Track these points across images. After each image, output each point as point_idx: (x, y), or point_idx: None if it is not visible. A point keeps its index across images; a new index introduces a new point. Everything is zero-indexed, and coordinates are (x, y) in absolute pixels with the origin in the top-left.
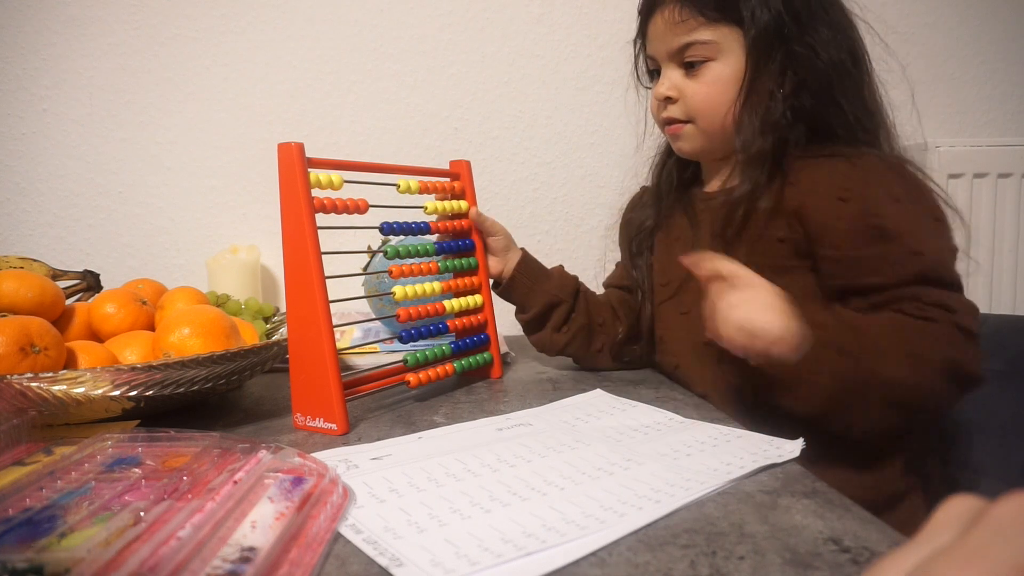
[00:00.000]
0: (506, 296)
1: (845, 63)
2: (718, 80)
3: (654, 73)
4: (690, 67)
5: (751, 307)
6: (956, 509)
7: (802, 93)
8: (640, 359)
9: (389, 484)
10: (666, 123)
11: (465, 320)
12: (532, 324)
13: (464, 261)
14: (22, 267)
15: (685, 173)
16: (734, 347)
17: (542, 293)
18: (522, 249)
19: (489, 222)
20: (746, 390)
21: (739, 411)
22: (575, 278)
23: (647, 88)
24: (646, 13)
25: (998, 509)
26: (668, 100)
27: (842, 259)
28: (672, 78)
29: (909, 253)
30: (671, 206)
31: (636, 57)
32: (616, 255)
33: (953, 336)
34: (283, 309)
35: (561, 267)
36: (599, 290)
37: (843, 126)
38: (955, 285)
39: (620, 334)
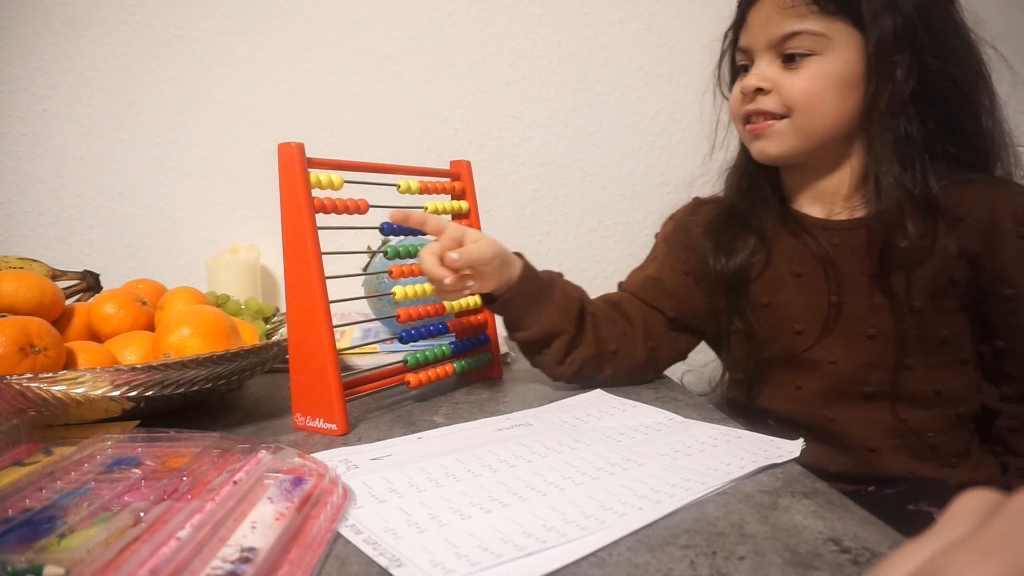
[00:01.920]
0: (500, 312)
1: (975, 81)
2: (821, 75)
3: (741, 70)
4: (789, 60)
5: None
6: (972, 503)
7: (929, 110)
8: (742, 403)
9: (389, 484)
10: (750, 117)
11: (465, 320)
12: (529, 347)
13: None
14: (22, 267)
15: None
16: None
17: (540, 318)
18: (520, 259)
19: (476, 254)
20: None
21: (923, 465)
22: (579, 299)
23: (725, 98)
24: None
25: (1015, 502)
26: (759, 91)
27: (1015, 297)
28: (766, 69)
29: None
30: (774, 233)
31: (722, 55)
32: (633, 256)
33: None
34: (283, 309)
35: (563, 283)
36: (599, 290)
37: (970, 151)
38: None
39: (641, 358)
